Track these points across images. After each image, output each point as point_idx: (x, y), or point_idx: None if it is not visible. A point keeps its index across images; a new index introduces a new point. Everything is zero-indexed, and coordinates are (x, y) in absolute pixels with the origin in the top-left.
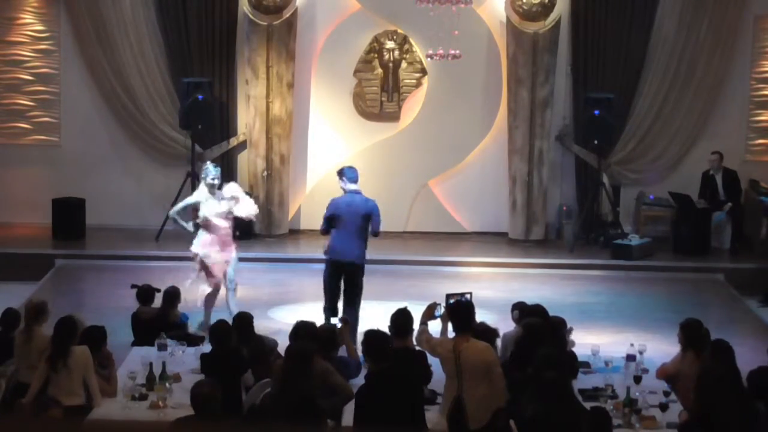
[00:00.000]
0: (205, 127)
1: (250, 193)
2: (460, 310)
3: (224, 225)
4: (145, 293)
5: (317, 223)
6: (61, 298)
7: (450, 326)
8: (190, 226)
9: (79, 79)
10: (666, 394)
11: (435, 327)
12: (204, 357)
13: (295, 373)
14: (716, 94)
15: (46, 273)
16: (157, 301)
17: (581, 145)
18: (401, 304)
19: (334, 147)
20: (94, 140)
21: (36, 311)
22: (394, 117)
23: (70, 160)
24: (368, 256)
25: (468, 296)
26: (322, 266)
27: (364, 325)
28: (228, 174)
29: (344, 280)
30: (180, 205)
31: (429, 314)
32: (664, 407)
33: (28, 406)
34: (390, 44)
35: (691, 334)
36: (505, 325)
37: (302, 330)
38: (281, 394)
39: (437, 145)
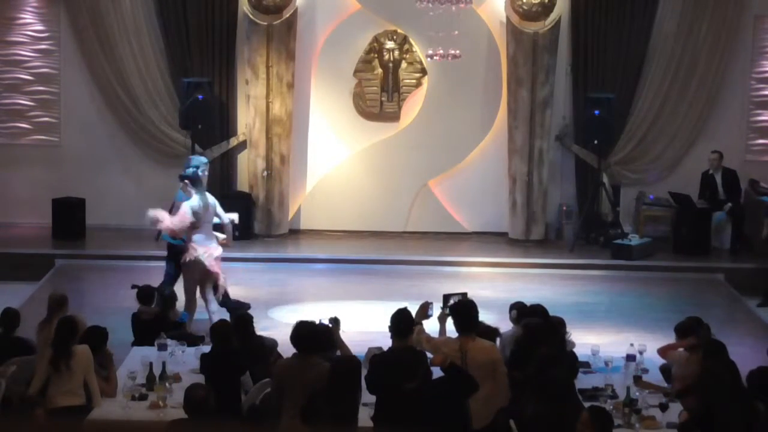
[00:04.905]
0: (205, 127)
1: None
2: (463, 309)
3: None
4: (145, 293)
5: (317, 223)
6: None
7: (449, 326)
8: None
9: (79, 79)
10: (666, 394)
11: (433, 327)
12: (203, 357)
13: (343, 386)
14: (716, 94)
15: (46, 273)
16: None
17: (581, 145)
18: (401, 304)
19: (334, 147)
20: (94, 140)
21: (59, 302)
22: (394, 117)
23: (70, 160)
24: (369, 255)
25: (462, 297)
26: (322, 266)
27: (365, 325)
28: (228, 174)
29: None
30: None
31: (423, 314)
32: (664, 407)
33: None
34: (390, 44)
35: (688, 333)
36: (505, 325)
37: (304, 330)
38: (327, 407)
39: (437, 145)
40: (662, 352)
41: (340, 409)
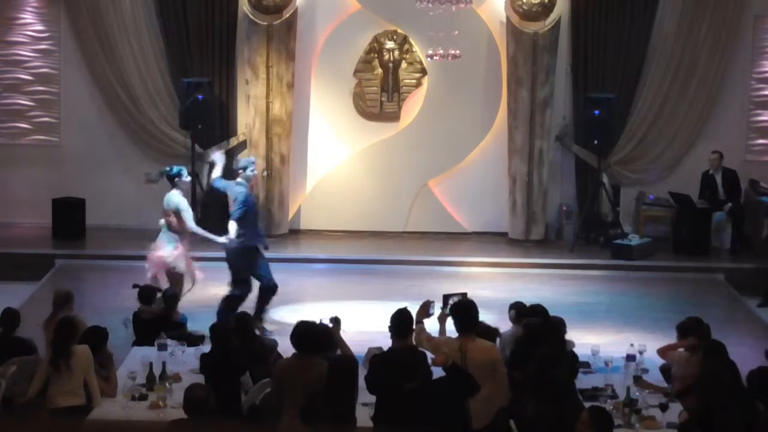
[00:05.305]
0: (205, 127)
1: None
2: (463, 309)
3: None
4: (146, 293)
5: (317, 223)
6: None
7: (449, 326)
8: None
9: (79, 79)
10: (666, 394)
11: (433, 327)
12: (203, 357)
13: (341, 386)
14: (716, 94)
15: (46, 273)
16: (159, 301)
17: (581, 145)
18: (401, 304)
19: (334, 147)
20: (94, 140)
21: (65, 299)
22: (394, 117)
23: (70, 160)
24: (369, 255)
25: (462, 297)
26: (322, 266)
27: (365, 325)
28: (228, 174)
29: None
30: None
31: (424, 313)
32: (664, 407)
33: (24, 406)
34: (390, 44)
35: (690, 333)
36: (505, 325)
37: (304, 330)
38: (326, 407)
39: (437, 145)
40: (662, 352)
41: (338, 409)
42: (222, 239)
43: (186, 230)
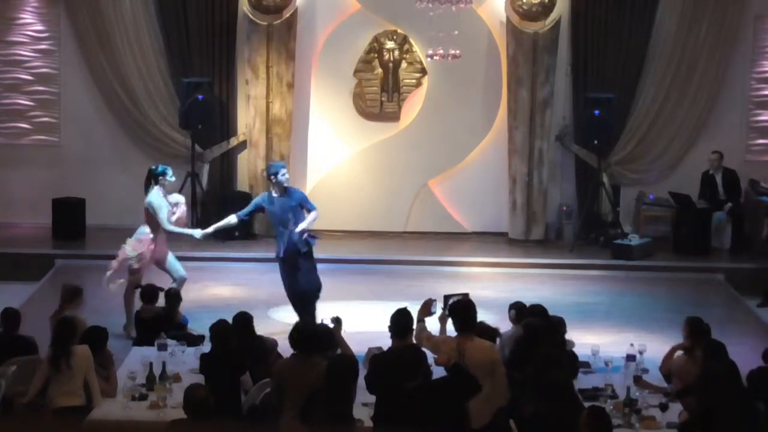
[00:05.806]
0: (205, 127)
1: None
2: (461, 309)
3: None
4: (148, 292)
5: (317, 223)
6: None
7: (450, 326)
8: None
9: (79, 79)
10: (666, 394)
11: (433, 327)
12: (203, 357)
13: (340, 386)
14: (716, 94)
15: (46, 273)
16: (161, 300)
17: (581, 145)
18: (401, 304)
19: (334, 147)
20: (94, 140)
21: (71, 293)
22: (394, 117)
23: (70, 160)
24: (369, 255)
25: (463, 297)
26: (322, 266)
27: (365, 325)
28: (228, 174)
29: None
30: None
31: (425, 311)
32: (664, 407)
33: (24, 407)
34: (390, 44)
35: (694, 333)
36: (505, 325)
37: (304, 330)
38: (325, 406)
39: (437, 145)
40: (663, 366)
41: (337, 409)
42: (197, 233)
43: (159, 228)
